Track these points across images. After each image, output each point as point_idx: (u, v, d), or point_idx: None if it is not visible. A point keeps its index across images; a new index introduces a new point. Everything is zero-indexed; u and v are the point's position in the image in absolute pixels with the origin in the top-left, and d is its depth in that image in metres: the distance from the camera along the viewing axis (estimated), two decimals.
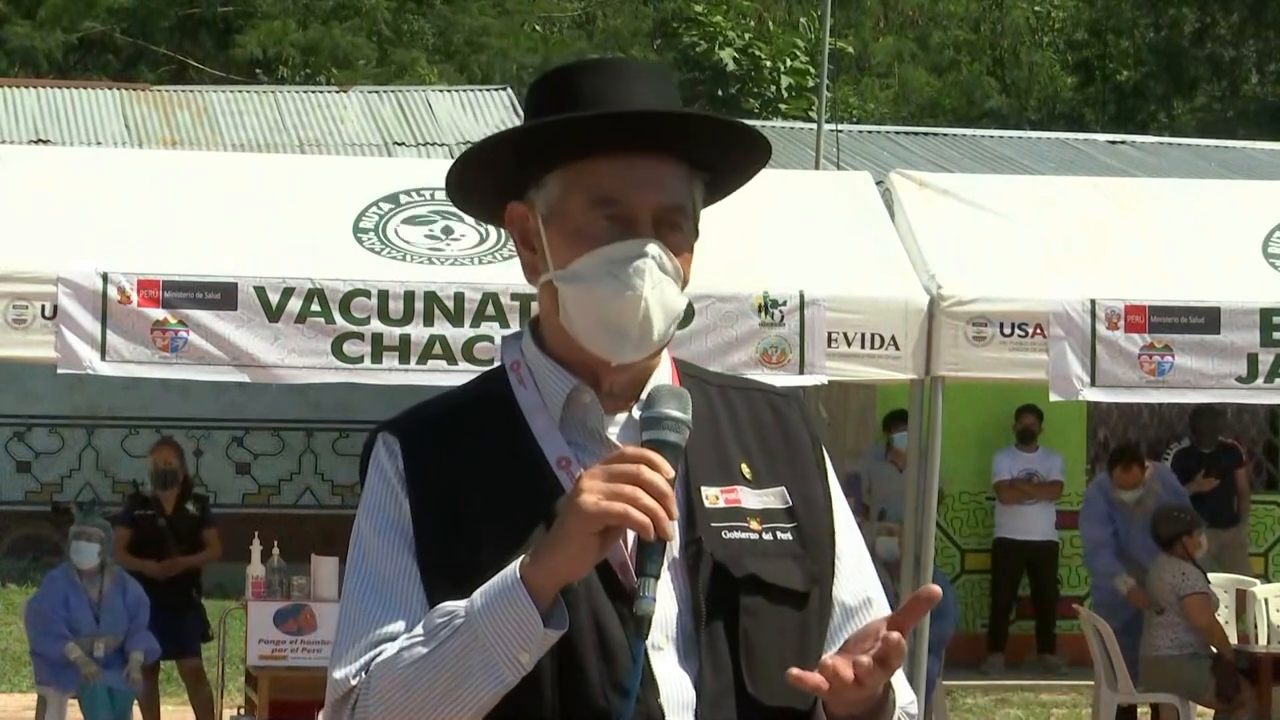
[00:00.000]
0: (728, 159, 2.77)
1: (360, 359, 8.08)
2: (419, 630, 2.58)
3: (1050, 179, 13.64)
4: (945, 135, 23.59)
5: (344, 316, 8.07)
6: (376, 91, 24.68)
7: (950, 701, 12.76)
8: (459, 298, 8.14)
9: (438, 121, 22.76)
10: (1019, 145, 22.53)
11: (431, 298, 8.13)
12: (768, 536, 2.70)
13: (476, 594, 2.54)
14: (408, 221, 8.49)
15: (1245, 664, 11.52)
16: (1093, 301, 8.57)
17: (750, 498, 2.72)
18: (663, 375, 2.75)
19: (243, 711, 11.15)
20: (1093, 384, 8.57)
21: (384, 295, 8.10)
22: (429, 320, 8.11)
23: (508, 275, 8.08)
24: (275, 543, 10.87)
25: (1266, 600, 12.47)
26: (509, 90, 24.42)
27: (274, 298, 8.03)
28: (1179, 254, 9.01)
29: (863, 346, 8.43)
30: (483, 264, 8.30)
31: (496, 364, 2.84)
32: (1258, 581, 13.47)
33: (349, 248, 8.34)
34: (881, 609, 2.78)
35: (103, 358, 7.94)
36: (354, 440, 20.03)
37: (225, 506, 17.80)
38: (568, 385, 2.71)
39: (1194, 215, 9.30)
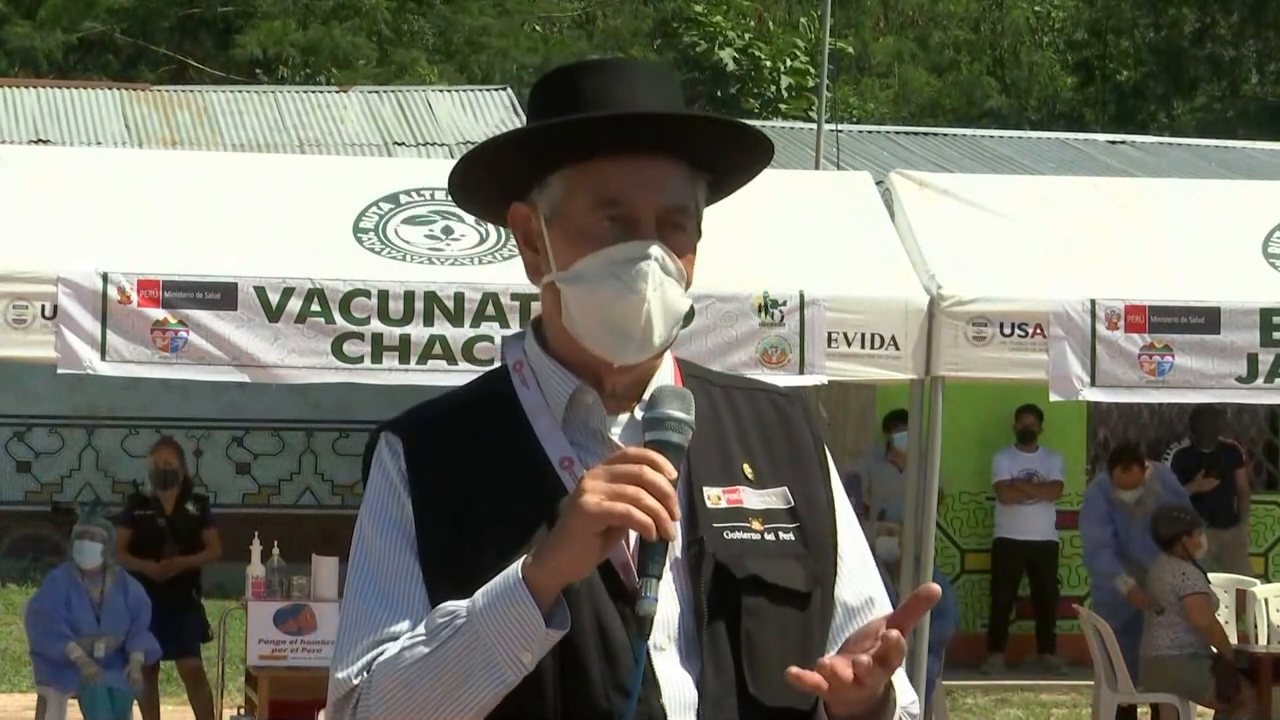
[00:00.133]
0: (730, 159, 2.77)
1: (360, 359, 8.08)
2: (421, 630, 2.58)
3: (1050, 179, 13.64)
4: (945, 135, 23.59)
5: (344, 316, 8.07)
6: (376, 91, 24.68)
7: (950, 701, 12.76)
8: (459, 298, 8.14)
9: (438, 121, 22.76)
10: (1019, 145, 22.53)
11: (431, 298, 8.13)
12: (770, 537, 2.70)
13: (478, 594, 2.54)
14: (408, 221, 8.50)
15: (1245, 664, 11.52)
16: (1093, 301, 8.57)
17: (752, 498, 2.72)
18: (665, 376, 2.76)
19: (243, 711, 11.15)
20: (1093, 384, 8.57)
21: (384, 295, 8.10)
22: (429, 320, 8.11)
23: (508, 275, 8.09)
24: (275, 543, 10.87)
25: (1266, 600, 12.47)
26: (509, 90, 24.42)
27: (274, 298, 8.03)
28: (1179, 254, 9.01)
29: (863, 346, 8.43)
30: (483, 264, 8.30)
31: (498, 364, 2.84)
32: (1258, 581, 13.47)
33: (349, 248, 8.34)
34: (884, 609, 2.78)
35: (103, 358, 7.95)
36: (354, 440, 20.04)
37: (225, 506, 17.80)
38: (570, 386, 2.71)
39: (1194, 215, 9.30)
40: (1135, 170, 19.97)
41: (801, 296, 8.38)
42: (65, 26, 32.12)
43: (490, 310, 8.14)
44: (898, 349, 8.45)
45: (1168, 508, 12.14)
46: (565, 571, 2.52)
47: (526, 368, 2.76)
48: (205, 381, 8.34)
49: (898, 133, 23.92)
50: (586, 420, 2.71)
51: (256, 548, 10.81)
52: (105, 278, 7.93)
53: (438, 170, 9.02)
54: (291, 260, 8.19)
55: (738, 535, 2.68)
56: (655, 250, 2.66)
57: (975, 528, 16.23)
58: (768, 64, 33.10)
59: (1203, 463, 15.47)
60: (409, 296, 8.11)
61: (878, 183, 9.64)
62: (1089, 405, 14.55)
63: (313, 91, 24.80)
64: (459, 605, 2.55)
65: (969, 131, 25.01)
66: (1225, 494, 15.51)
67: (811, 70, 31.76)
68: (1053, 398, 8.70)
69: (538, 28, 35.11)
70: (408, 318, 8.11)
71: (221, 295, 8.00)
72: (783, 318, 8.35)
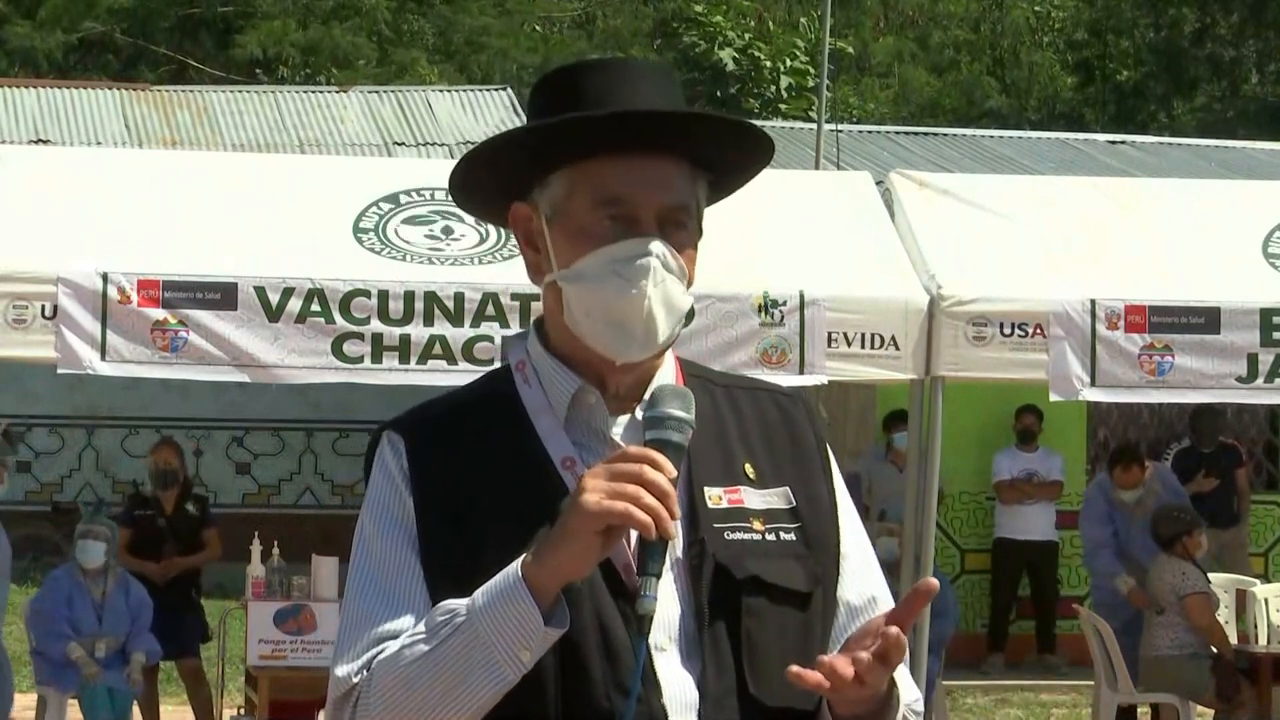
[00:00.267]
0: (731, 158, 2.77)
1: (360, 359, 8.08)
2: (421, 628, 2.58)
3: (1050, 179, 13.64)
4: (945, 135, 23.59)
5: (344, 316, 8.08)
6: (376, 91, 24.68)
7: (950, 701, 12.76)
8: (459, 298, 8.14)
9: (438, 121, 22.75)
10: (1019, 145, 22.53)
11: (431, 298, 8.13)
12: (770, 537, 2.70)
13: (478, 592, 2.55)
14: (408, 221, 8.50)
15: (1245, 664, 11.52)
16: (1093, 301, 8.57)
17: (753, 498, 2.72)
18: (667, 375, 2.76)
19: (243, 711, 11.15)
20: (1093, 384, 8.57)
21: (384, 295, 8.10)
22: (429, 320, 8.12)
23: (508, 275, 8.09)
24: (275, 543, 10.87)
25: (1266, 600, 12.47)
26: (509, 90, 24.42)
27: (274, 298, 8.04)
28: (1179, 254, 9.01)
29: (863, 346, 8.43)
30: (483, 264, 8.31)
31: (499, 364, 2.84)
32: (1258, 581, 13.47)
33: (349, 248, 8.34)
34: (887, 608, 2.78)
35: (103, 358, 7.95)
36: (354, 440, 20.03)
37: (225, 506, 17.80)
38: (573, 385, 2.71)
39: (1194, 215, 9.30)
40: (1135, 170, 19.97)
41: (801, 296, 8.38)
42: (65, 26, 32.12)
43: (490, 310, 8.14)
44: (898, 349, 8.45)
45: (1168, 508, 12.14)
46: (565, 570, 2.52)
47: (529, 367, 2.76)
48: (205, 381, 8.34)
49: (898, 133, 23.92)
50: (589, 420, 2.71)
51: (256, 548, 10.81)
52: (105, 278, 7.93)
53: (438, 170, 9.02)
54: (291, 260, 8.19)
55: (738, 535, 2.68)
56: (657, 247, 2.66)
57: (975, 528, 16.23)
58: (768, 64, 33.09)
59: (1203, 463, 15.47)
60: (409, 296, 8.11)
61: (878, 183, 9.64)
62: (1089, 405, 14.55)
63: (313, 91, 24.80)
64: (459, 604, 2.56)
65: (969, 131, 25.01)
66: (1225, 494, 15.51)
67: (811, 70, 31.75)
68: (1053, 398, 8.70)
69: (538, 28, 35.11)
70: (408, 318, 8.11)
71: (221, 295, 8.00)
72: (783, 318, 8.35)
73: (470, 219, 8.17)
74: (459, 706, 2.55)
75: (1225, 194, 10.07)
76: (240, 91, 24.33)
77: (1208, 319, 8.63)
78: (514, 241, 2.82)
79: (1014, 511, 15.73)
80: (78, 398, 19.69)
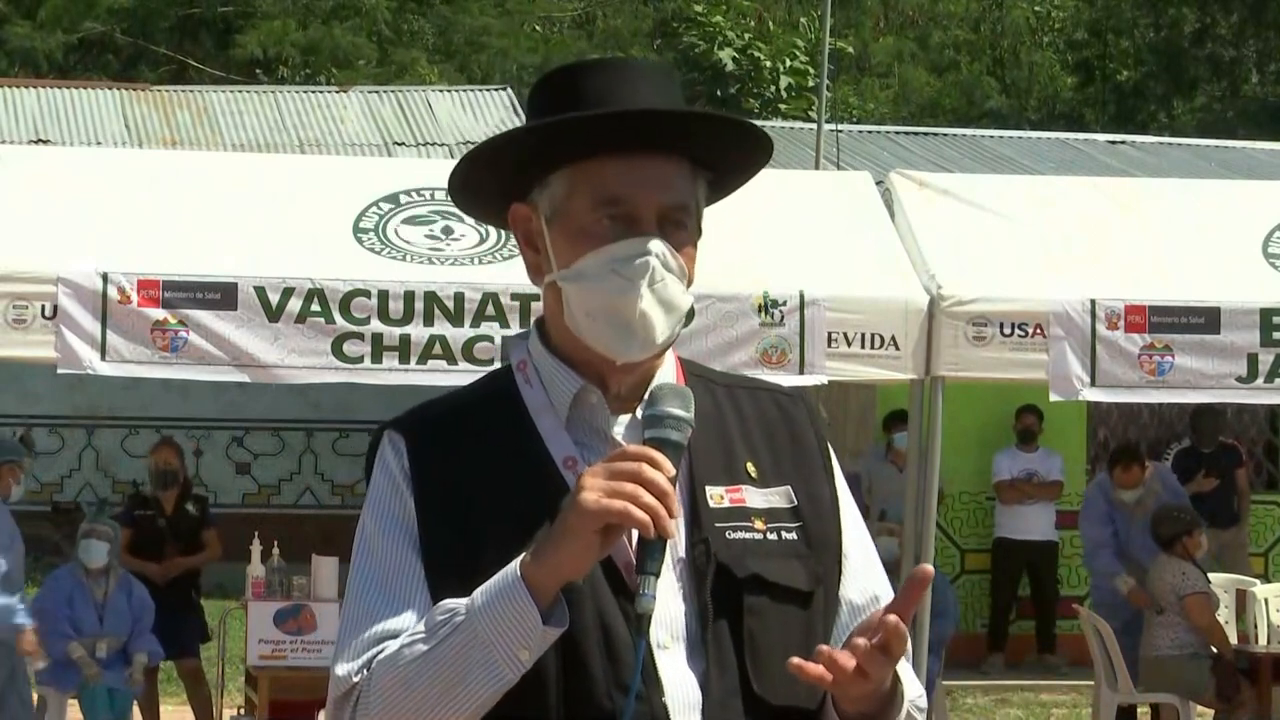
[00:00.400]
0: (730, 157, 2.77)
1: (360, 359, 8.08)
2: (420, 628, 2.58)
3: (1050, 179, 13.64)
4: (945, 135, 23.59)
5: (344, 316, 8.08)
6: (376, 91, 24.68)
7: (950, 701, 12.76)
8: (459, 298, 8.14)
9: (438, 121, 22.75)
10: (1019, 145, 22.53)
11: (431, 298, 8.13)
12: (772, 536, 2.70)
13: (477, 592, 2.54)
14: (408, 221, 8.50)
15: (1245, 664, 11.51)
16: (1093, 301, 8.57)
17: (755, 497, 2.72)
18: (668, 375, 2.75)
19: (243, 711, 11.14)
20: (1093, 384, 8.57)
21: (384, 295, 8.10)
22: (429, 320, 8.12)
23: (508, 275, 8.09)
24: (275, 543, 10.86)
25: (1266, 600, 12.47)
26: (509, 90, 24.42)
27: (274, 298, 8.04)
28: (1179, 254, 9.01)
29: (863, 346, 8.43)
30: (483, 264, 8.31)
31: (499, 364, 2.84)
32: (1258, 581, 13.47)
33: (349, 248, 8.34)
34: None
35: (103, 358, 7.95)
36: (354, 440, 20.03)
37: (225, 506, 17.80)
38: (574, 385, 2.71)
39: (1194, 215, 9.30)
40: (1135, 170, 19.97)
41: (801, 296, 8.38)
42: (65, 27, 32.13)
43: (490, 310, 8.14)
44: (898, 349, 8.45)
45: (1168, 508, 12.13)
46: (564, 569, 2.52)
47: (530, 367, 2.76)
48: (205, 381, 8.34)
49: (898, 133, 23.92)
50: (590, 420, 2.71)
51: (256, 548, 10.81)
52: (105, 278, 7.93)
53: (438, 170, 9.02)
54: (291, 260, 8.19)
55: (739, 535, 2.68)
56: (656, 246, 2.66)
57: (975, 528, 16.22)
58: (767, 64, 33.08)
59: (1203, 463, 15.47)
60: (409, 296, 8.11)
61: (878, 183, 9.64)
62: (1089, 405, 14.55)
63: (313, 91, 24.80)
64: (458, 603, 2.55)
65: (969, 131, 25.01)
66: (1225, 494, 15.51)
67: (811, 70, 31.75)
68: (1053, 398, 8.70)
69: (538, 28, 35.11)
70: (408, 318, 8.11)
71: (221, 295, 8.00)
72: (783, 318, 8.35)
73: (470, 219, 8.17)
74: (458, 706, 2.54)
75: (1225, 194, 10.07)
76: (240, 91, 24.33)
77: (1208, 319, 8.63)
78: (514, 242, 2.81)
79: (1014, 511, 15.72)
80: (78, 398, 19.69)
